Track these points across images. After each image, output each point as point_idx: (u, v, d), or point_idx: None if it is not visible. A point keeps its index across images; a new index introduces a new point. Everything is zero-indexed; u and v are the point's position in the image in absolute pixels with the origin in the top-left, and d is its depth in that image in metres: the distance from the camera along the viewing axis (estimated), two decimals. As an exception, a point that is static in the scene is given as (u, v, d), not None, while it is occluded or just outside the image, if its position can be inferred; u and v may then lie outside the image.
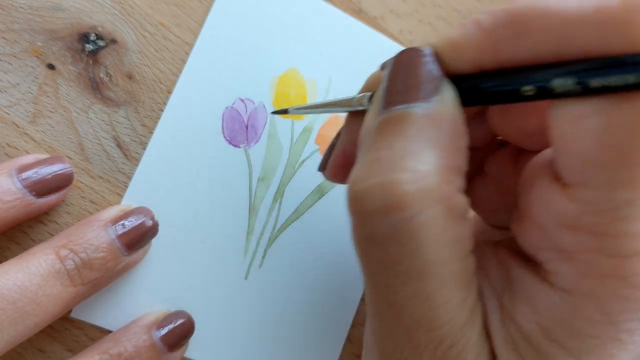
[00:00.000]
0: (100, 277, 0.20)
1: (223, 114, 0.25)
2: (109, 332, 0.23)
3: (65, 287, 0.19)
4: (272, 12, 0.26)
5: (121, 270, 0.21)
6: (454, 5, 0.29)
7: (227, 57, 0.25)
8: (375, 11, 0.28)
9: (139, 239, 0.21)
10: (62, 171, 0.21)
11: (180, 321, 0.22)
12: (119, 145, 0.24)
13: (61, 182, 0.21)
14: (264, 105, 0.25)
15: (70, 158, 0.23)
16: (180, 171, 0.24)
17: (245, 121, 0.25)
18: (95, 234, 0.20)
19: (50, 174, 0.21)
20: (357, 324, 0.26)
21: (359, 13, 0.27)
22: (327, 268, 0.26)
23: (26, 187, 0.20)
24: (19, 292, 0.18)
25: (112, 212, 0.22)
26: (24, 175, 0.20)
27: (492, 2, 0.30)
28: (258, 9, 0.26)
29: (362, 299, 0.26)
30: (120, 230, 0.21)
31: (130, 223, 0.21)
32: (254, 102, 0.25)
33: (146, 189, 0.24)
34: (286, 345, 0.25)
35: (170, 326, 0.22)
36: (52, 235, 0.23)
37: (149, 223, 0.22)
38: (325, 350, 0.26)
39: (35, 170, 0.20)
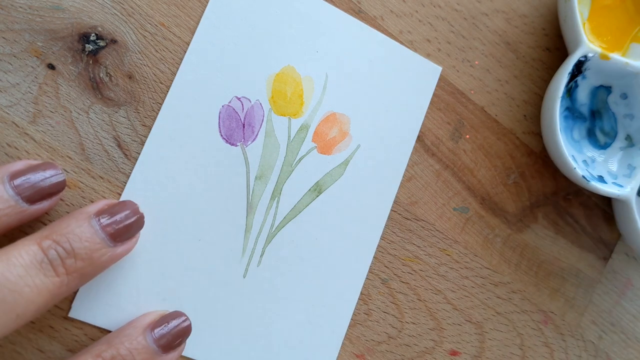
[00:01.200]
0: (86, 267, 0.20)
1: (220, 113, 0.25)
2: (108, 331, 0.23)
3: (48, 277, 0.19)
4: (268, 9, 0.26)
5: (108, 261, 0.21)
6: (454, 5, 0.29)
7: (223, 56, 0.25)
8: (375, 11, 0.28)
9: (123, 230, 0.21)
10: (54, 177, 0.21)
11: (175, 322, 0.22)
12: (119, 145, 0.24)
13: (54, 189, 0.21)
14: (260, 104, 0.25)
15: (70, 158, 0.23)
16: (178, 170, 0.24)
17: (242, 119, 0.25)
18: (78, 225, 0.20)
19: (42, 180, 0.20)
20: (357, 323, 0.26)
21: (358, 13, 0.27)
22: (325, 266, 0.26)
23: (18, 194, 0.19)
24: None
25: (97, 205, 0.21)
26: (16, 182, 0.20)
27: (492, 2, 0.30)
28: (253, 6, 0.26)
29: (361, 297, 0.27)
30: (105, 222, 0.21)
31: (115, 215, 0.21)
32: (250, 100, 0.25)
33: (144, 188, 0.24)
34: (285, 343, 0.25)
35: (166, 328, 0.22)
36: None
37: (134, 215, 0.22)
38: (324, 348, 0.26)
39: (27, 176, 0.20)
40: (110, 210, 0.21)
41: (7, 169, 0.20)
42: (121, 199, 0.23)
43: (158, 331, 0.21)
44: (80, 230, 0.20)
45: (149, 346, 0.21)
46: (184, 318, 0.22)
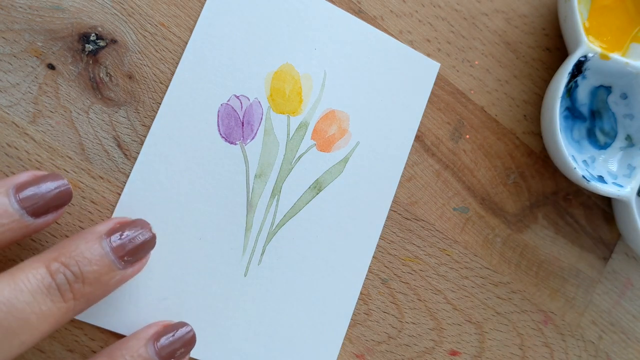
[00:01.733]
0: (94, 292, 0.19)
1: (218, 111, 0.25)
2: (108, 331, 0.23)
3: (55, 303, 0.18)
4: (266, 7, 0.26)
5: (117, 283, 0.20)
6: (454, 5, 0.29)
7: (221, 54, 0.25)
8: (375, 11, 0.28)
9: (134, 251, 0.20)
10: (59, 189, 0.20)
11: (179, 333, 0.22)
12: (119, 145, 0.24)
13: (59, 201, 0.20)
14: (259, 102, 0.25)
15: (70, 158, 0.23)
16: (177, 169, 0.24)
17: (241, 118, 0.25)
18: (88, 247, 0.19)
19: (48, 192, 0.20)
20: (357, 323, 0.26)
21: (358, 13, 0.27)
22: (326, 264, 0.26)
23: (24, 208, 0.19)
24: (5, 311, 0.17)
25: (108, 224, 0.21)
26: (22, 195, 0.19)
27: (492, 2, 0.30)
28: (251, 4, 0.26)
29: (361, 297, 0.27)
30: (115, 243, 0.20)
31: (126, 235, 0.20)
32: (249, 99, 0.25)
33: (143, 188, 0.24)
34: (285, 342, 0.25)
35: (168, 339, 0.21)
36: (53, 235, 0.23)
37: (146, 235, 0.21)
38: (325, 346, 0.26)
39: (32, 189, 0.19)
40: (121, 230, 0.20)
41: (13, 181, 0.19)
42: (121, 199, 0.23)
43: (161, 343, 0.21)
44: (90, 252, 0.19)
45: (151, 359, 0.20)
46: (188, 329, 0.22)
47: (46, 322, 0.18)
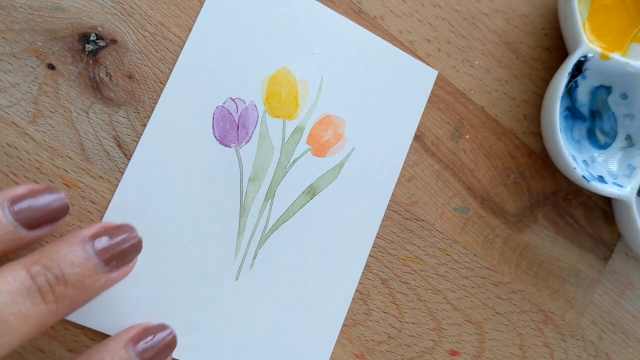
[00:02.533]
0: (77, 295, 0.19)
1: (214, 114, 0.25)
2: (100, 332, 0.23)
3: (35, 305, 0.18)
4: (264, 11, 0.26)
5: (101, 287, 0.20)
6: (454, 5, 0.29)
7: (218, 56, 0.25)
8: (375, 11, 0.28)
9: (119, 255, 0.20)
10: (56, 203, 0.20)
11: (160, 336, 0.21)
12: (119, 145, 0.24)
13: (55, 215, 0.20)
14: (254, 105, 0.25)
15: (70, 158, 0.23)
16: (171, 171, 0.24)
17: (236, 121, 0.25)
18: (70, 250, 0.19)
19: (43, 205, 0.20)
20: (357, 323, 0.26)
21: (358, 13, 0.27)
22: (318, 268, 0.26)
23: (18, 220, 0.19)
24: None
25: (93, 228, 0.20)
26: (16, 207, 0.19)
27: (492, 2, 0.30)
28: (249, 7, 0.26)
29: (361, 297, 0.27)
30: (99, 246, 0.20)
31: (111, 239, 0.20)
32: (244, 102, 0.25)
33: (136, 189, 0.24)
34: (277, 346, 0.25)
35: (148, 341, 0.21)
36: (52, 235, 0.23)
37: (132, 240, 0.21)
38: (317, 350, 0.26)
39: (27, 202, 0.19)
40: (105, 234, 0.20)
41: (8, 194, 0.19)
42: (113, 199, 0.23)
43: (141, 345, 0.21)
44: (73, 255, 0.19)
45: None
46: (168, 331, 0.22)
47: (27, 323, 0.18)
